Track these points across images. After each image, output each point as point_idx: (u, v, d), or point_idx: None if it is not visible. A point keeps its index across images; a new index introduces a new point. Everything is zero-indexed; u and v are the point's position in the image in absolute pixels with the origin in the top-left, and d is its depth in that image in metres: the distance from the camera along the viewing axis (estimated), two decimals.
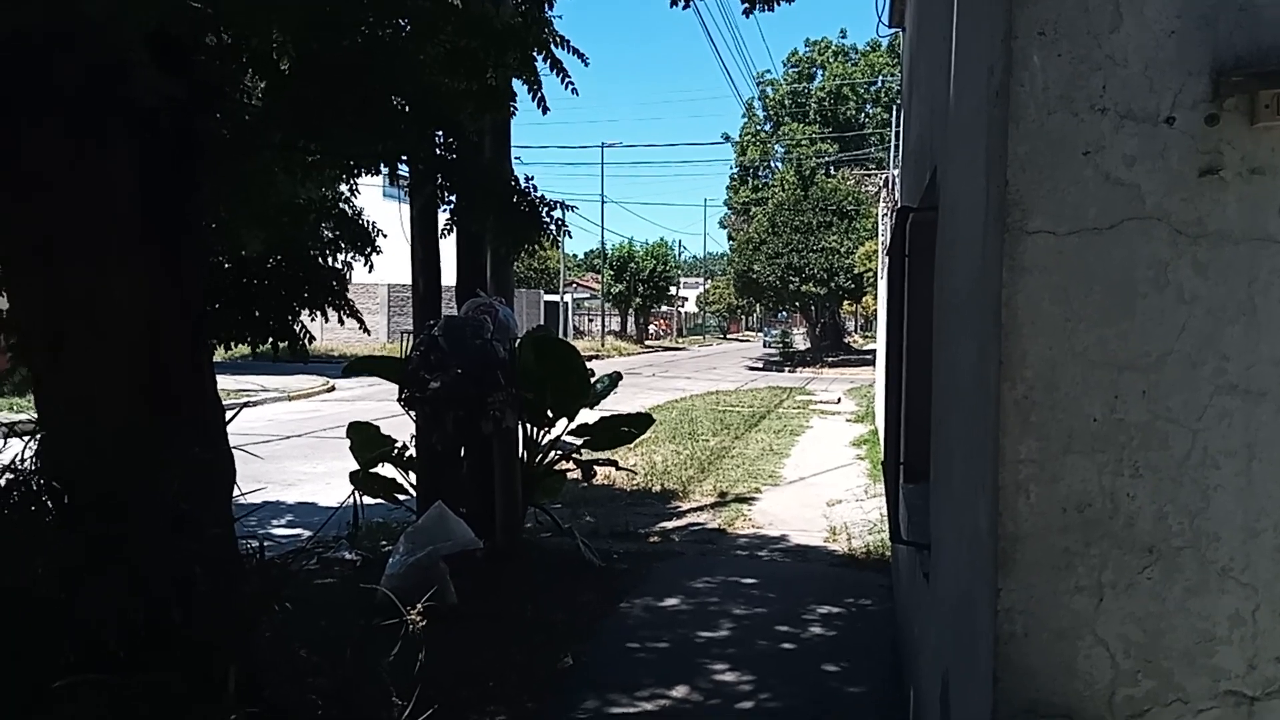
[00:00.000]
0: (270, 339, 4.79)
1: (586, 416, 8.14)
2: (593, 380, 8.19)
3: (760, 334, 55.11)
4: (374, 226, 6.02)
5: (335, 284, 4.90)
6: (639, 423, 8.28)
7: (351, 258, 5.70)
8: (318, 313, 4.94)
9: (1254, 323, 1.78)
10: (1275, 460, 1.79)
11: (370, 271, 6.26)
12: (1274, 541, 1.80)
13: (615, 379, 8.74)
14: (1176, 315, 1.79)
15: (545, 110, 5.25)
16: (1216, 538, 1.81)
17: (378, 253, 5.93)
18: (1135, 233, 1.79)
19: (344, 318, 5.02)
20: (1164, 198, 1.79)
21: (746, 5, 5.73)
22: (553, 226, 5.10)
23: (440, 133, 4.90)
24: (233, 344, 4.82)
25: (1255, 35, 1.76)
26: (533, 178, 5.28)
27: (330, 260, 5.32)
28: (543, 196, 5.25)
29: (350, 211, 5.87)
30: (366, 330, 6.20)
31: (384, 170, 4.92)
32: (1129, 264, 1.80)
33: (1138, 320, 1.80)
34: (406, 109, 4.63)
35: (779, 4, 5.73)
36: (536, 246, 5.44)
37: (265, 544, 4.77)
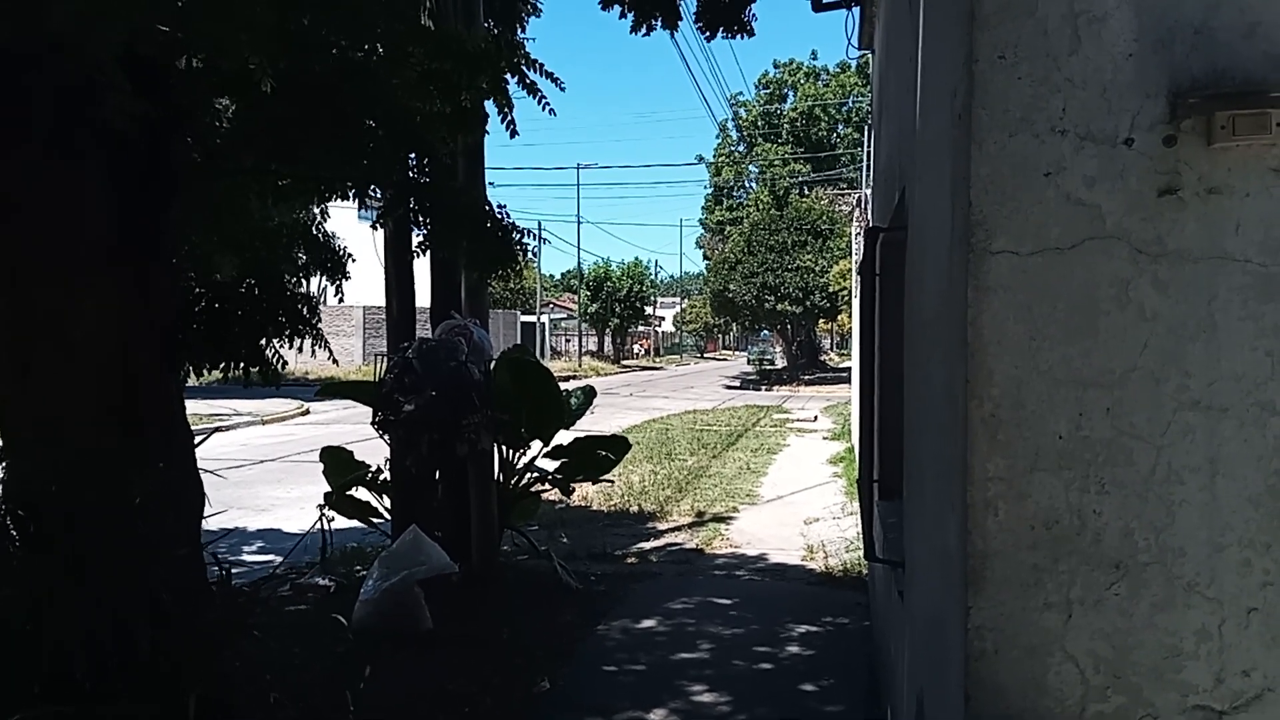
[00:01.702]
0: (241, 365, 4.75)
1: (562, 437, 8.11)
2: (568, 398, 8.17)
3: (745, 352, 55.32)
4: (345, 251, 6.00)
5: (307, 311, 4.86)
6: (616, 447, 8.23)
7: (323, 284, 5.66)
8: (288, 340, 4.90)
9: (1214, 339, 1.80)
10: (1238, 475, 1.81)
11: (339, 299, 6.22)
12: (1238, 556, 1.81)
13: (590, 394, 8.70)
14: (1138, 333, 1.81)
15: (514, 134, 5.29)
16: (1182, 553, 1.82)
17: (347, 278, 5.90)
18: (1096, 252, 1.82)
19: (315, 347, 4.99)
20: (1124, 217, 1.81)
21: (708, 33, 5.79)
22: (525, 252, 5.12)
23: (414, 156, 4.91)
24: (205, 370, 4.77)
25: (1211, 57, 1.79)
26: (505, 206, 5.32)
27: (302, 285, 5.28)
28: (514, 223, 5.28)
29: (322, 236, 5.83)
30: (335, 360, 6.13)
31: (354, 196, 4.89)
32: (1091, 283, 1.82)
33: (1101, 338, 1.82)
34: (380, 131, 4.63)
35: (744, 35, 5.77)
36: (509, 271, 5.45)
37: (236, 570, 4.71)
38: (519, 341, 37.02)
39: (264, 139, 4.22)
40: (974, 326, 1.85)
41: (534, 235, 5.32)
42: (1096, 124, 1.81)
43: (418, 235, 5.78)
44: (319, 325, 5.03)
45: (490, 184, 7.41)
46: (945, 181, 2.10)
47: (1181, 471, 1.82)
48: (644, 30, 5.92)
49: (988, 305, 1.84)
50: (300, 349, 5.00)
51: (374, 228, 6.57)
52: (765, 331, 44.43)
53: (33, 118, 3.56)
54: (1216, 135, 1.76)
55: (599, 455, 8.10)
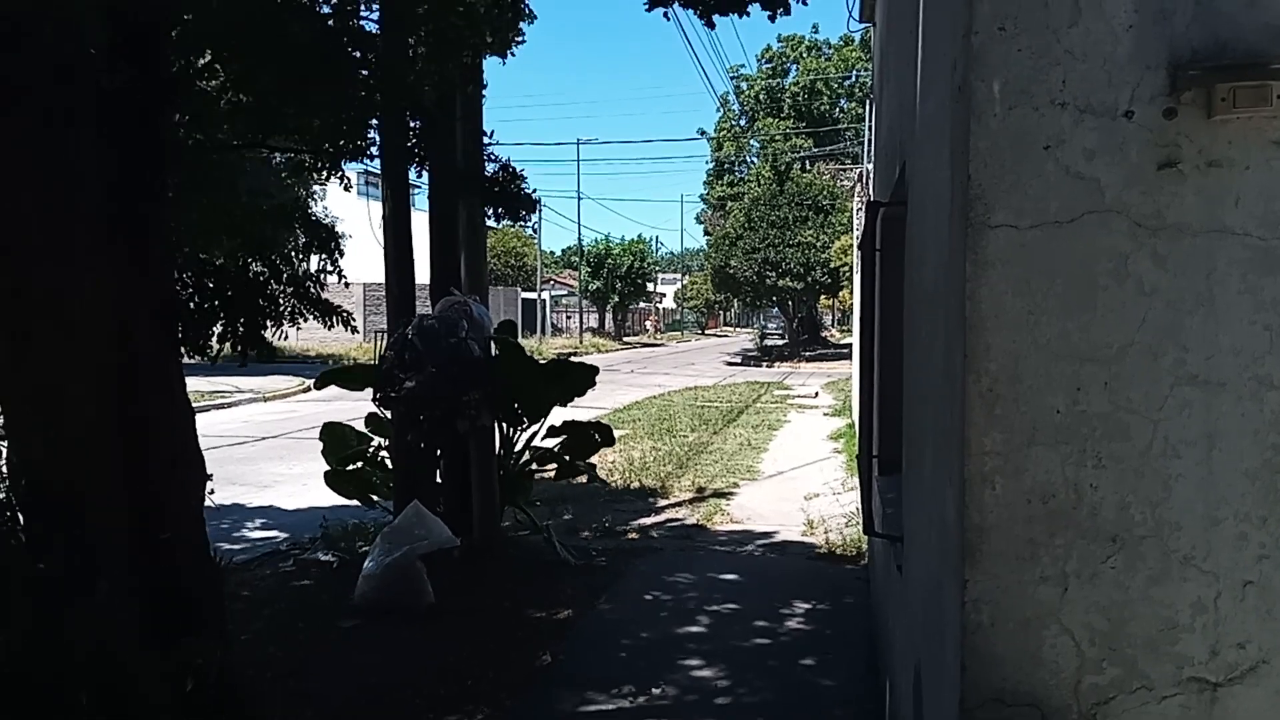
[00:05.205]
0: (238, 345, 4.75)
1: (557, 417, 8.09)
2: (560, 376, 8.17)
3: (746, 329, 55.08)
4: (342, 232, 5.96)
5: (312, 289, 4.85)
6: (605, 433, 8.22)
7: (323, 265, 5.62)
8: (295, 319, 4.90)
9: (1213, 313, 1.80)
10: (1235, 449, 1.81)
11: (344, 283, 6.16)
12: (1234, 529, 1.82)
13: (586, 372, 8.59)
14: (1137, 307, 1.81)
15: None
16: (1178, 526, 1.83)
17: (341, 254, 5.83)
18: (1095, 226, 1.81)
19: (331, 322, 4.99)
20: (1123, 191, 1.80)
21: (705, 20, 5.77)
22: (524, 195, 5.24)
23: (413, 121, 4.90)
24: (200, 352, 4.77)
25: (1212, 29, 1.78)
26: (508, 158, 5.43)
27: (302, 264, 5.26)
28: (506, 161, 5.44)
29: (317, 216, 5.82)
30: (355, 329, 6.00)
31: (340, 159, 4.87)
32: (1090, 257, 1.81)
33: (1099, 312, 1.82)
34: (375, 97, 4.61)
35: (746, 13, 5.72)
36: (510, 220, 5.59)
37: (240, 546, 4.73)
38: (519, 318, 36.90)
39: (250, 108, 4.18)
40: (972, 301, 1.84)
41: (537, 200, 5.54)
42: (1096, 96, 1.80)
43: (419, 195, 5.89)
44: (333, 303, 5.02)
45: (491, 158, 7.39)
46: (944, 155, 2.09)
47: (1178, 446, 1.82)
48: (663, 10, 5.88)
49: (986, 279, 1.84)
50: (299, 326, 4.98)
51: (382, 195, 6.56)
52: (775, 308, 44.19)
53: (21, 86, 3.52)
54: (1217, 108, 1.75)
55: (594, 439, 8.09)
